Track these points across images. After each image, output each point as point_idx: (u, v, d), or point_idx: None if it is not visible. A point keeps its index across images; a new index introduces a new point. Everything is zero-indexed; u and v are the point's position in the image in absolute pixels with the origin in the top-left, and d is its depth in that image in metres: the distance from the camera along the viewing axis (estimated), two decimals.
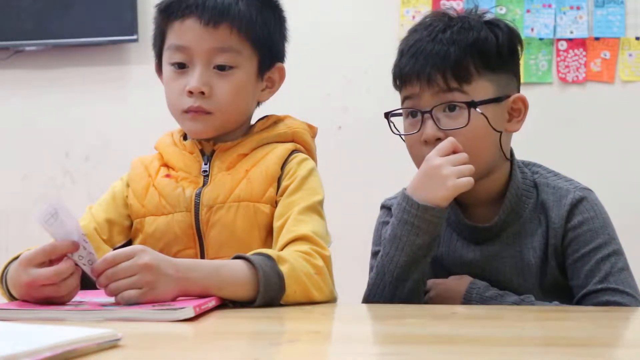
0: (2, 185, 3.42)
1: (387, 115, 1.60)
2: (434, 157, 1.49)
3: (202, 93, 1.53)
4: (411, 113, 1.56)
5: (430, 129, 1.52)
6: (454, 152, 1.50)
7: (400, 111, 1.59)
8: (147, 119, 3.29)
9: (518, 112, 1.58)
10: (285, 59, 1.66)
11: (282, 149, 1.58)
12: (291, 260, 1.37)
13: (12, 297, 1.38)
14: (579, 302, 1.52)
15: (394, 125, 1.60)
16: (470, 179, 1.48)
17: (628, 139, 3.09)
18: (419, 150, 1.55)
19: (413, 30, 1.60)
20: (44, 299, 1.27)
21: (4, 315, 1.21)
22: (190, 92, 1.53)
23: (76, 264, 1.28)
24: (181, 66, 1.56)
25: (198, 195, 1.54)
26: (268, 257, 1.35)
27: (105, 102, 3.37)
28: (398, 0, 3.20)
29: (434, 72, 1.51)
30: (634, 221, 2.90)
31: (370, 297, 1.54)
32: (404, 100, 1.58)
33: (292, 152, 1.58)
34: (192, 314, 1.19)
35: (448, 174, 1.47)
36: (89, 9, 3.31)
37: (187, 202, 1.54)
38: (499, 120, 1.55)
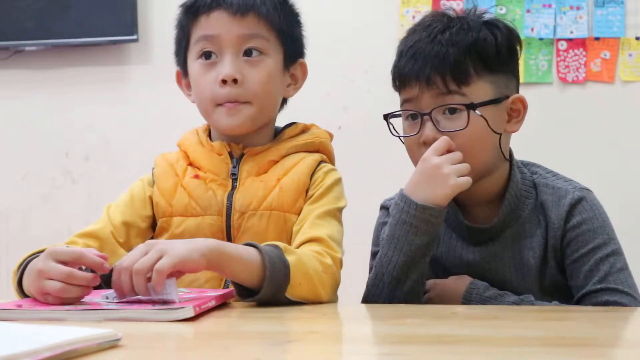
0: (2, 185, 3.42)
1: (387, 117, 1.60)
2: (431, 156, 1.49)
3: (235, 81, 1.54)
4: (410, 115, 1.56)
5: (429, 130, 1.52)
6: (449, 150, 1.50)
7: (399, 113, 1.59)
8: (147, 119, 3.30)
9: (517, 112, 1.58)
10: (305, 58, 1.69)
11: (311, 159, 1.60)
12: (299, 253, 1.38)
13: (21, 290, 1.38)
14: (579, 302, 1.52)
15: (393, 127, 1.60)
16: (469, 178, 1.49)
17: (628, 139, 3.09)
18: (418, 151, 1.54)
19: (412, 31, 1.60)
20: (44, 291, 1.27)
21: (4, 315, 1.21)
22: (224, 82, 1.54)
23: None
24: (208, 56, 1.56)
25: (229, 199, 1.54)
26: (275, 246, 1.36)
27: (105, 102, 3.37)
28: (398, 0, 3.20)
29: (433, 74, 1.51)
30: (634, 221, 2.90)
31: (369, 298, 1.54)
32: (403, 102, 1.58)
33: (320, 162, 1.61)
34: (192, 314, 1.19)
35: (449, 173, 1.48)
36: (89, 9, 3.31)
37: (218, 205, 1.54)
38: (498, 121, 1.55)
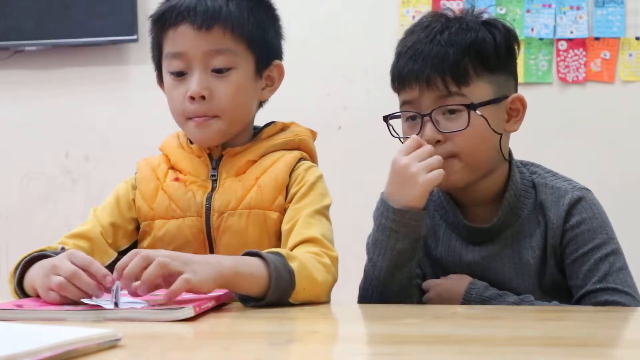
0: (2, 185, 3.42)
1: (386, 118, 1.60)
2: (399, 157, 1.49)
3: (203, 97, 1.53)
4: (410, 116, 1.56)
5: (429, 131, 1.52)
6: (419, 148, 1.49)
7: (399, 114, 1.59)
8: (147, 119, 3.29)
9: (516, 112, 1.58)
10: (283, 56, 1.66)
11: (290, 157, 1.59)
12: (301, 258, 1.38)
13: (20, 289, 1.39)
14: (578, 302, 1.52)
15: (393, 128, 1.60)
16: (441, 171, 1.47)
17: (628, 139, 3.09)
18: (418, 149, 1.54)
19: (410, 32, 1.59)
20: (49, 286, 1.27)
21: (4, 315, 1.21)
22: (192, 98, 1.54)
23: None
24: (180, 74, 1.56)
25: (208, 200, 1.55)
26: (278, 254, 1.36)
27: (105, 102, 3.38)
28: (398, 0, 3.20)
29: (433, 75, 1.51)
30: (634, 221, 2.90)
31: (361, 300, 1.55)
32: (402, 104, 1.58)
33: (299, 160, 1.60)
34: (192, 314, 1.19)
35: (417, 171, 1.46)
36: (89, 9, 3.31)
37: (197, 206, 1.55)
38: (498, 120, 1.55)
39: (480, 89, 1.53)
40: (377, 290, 1.51)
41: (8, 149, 3.42)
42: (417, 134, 1.53)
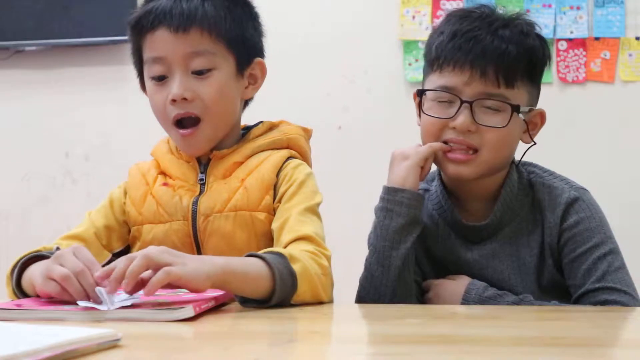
0: (2, 185, 3.42)
1: (422, 92, 1.57)
2: (398, 148, 1.59)
3: (185, 99, 1.53)
4: (447, 100, 1.54)
5: (465, 117, 1.51)
6: None
7: (430, 91, 1.56)
8: (147, 119, 3.27)
9: (534, 125, 1.60)
10: (264, 54, 1.65)
11: (277, 156, 1.58)
12: (302, 260, 1.37)
13: (18, 289, 1.40)
14: (577, 301, 1.52)
15: (421, 104, 1.57)
16: (431, 145, 1.54)
17: (628, 139, 3.09)
18: (439, 133, 1.54)
19: (463, 15, 1.57)
20: (50, 275, 1.26)
21: (4, 315, 1.22)
22: (174, 101, 1.53)
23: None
24: (161, 79, 1.55)
25: (195, 203, 1.54)
26: (281, 255, 1.35)
27: (105, 102, 3.37)
28: (398, 0, 3.20)
29: (490, 67, 1.51)
30: (634, 221, 2.90)
31: (361, 292, 1.56)
32: (441, 86, 1.54)
33: (287, 158, 1.59)
34: (192, 314, 1.19)
35: (410, 151, 1.56)
36: (89, 9, 3.31)
37: (184, 210, 1.55)
38: (521, 128, 1.57)
39: (520, 95, 1.54)
40: (375, 275, 1.53)
41: (8, 149, 3.42)
42: (451, 117, 1.53)
